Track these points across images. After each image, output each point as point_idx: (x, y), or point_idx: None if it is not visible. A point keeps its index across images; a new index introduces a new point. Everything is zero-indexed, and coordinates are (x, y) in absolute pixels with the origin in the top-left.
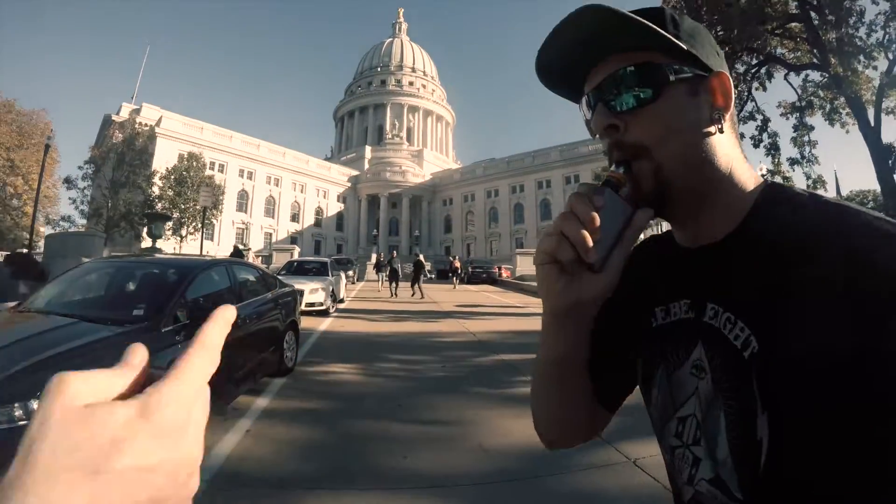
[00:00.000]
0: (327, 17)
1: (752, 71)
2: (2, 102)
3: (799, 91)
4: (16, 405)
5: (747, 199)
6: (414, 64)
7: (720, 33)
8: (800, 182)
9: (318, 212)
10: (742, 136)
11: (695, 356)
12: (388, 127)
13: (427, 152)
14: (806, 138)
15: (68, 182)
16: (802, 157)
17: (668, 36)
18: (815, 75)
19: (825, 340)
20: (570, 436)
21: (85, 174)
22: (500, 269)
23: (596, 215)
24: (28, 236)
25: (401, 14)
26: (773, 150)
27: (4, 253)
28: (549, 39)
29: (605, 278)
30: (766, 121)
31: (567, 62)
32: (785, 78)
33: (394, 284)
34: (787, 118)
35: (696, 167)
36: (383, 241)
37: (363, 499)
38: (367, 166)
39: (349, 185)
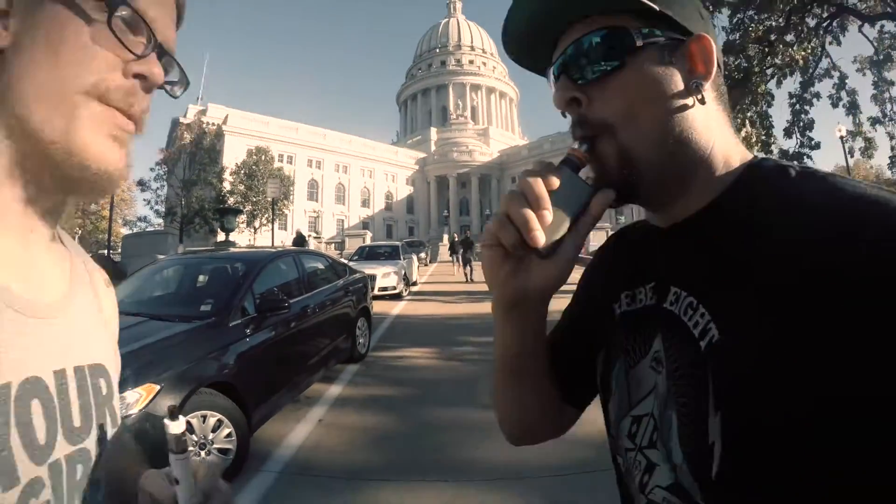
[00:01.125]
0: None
1: (824, 24)
2: None
3: (875, 44)
4: None
5: (728, 177)
6: (472, 42)
7: None
8: (883, 143)
9: (388, 196)
10: (818, 95)
11: (655, 348)
12: (451, 107)
13: (493, 130)
14: (887, 95)
15: (141, 184)
16: (884, 115)
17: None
18: (890, 26)
19: (791, 331)
20: (535, 434)
21: (157, 175)
22: None
23: (546, 196)
24: (107, 238)
25: None
26: (853, 109)
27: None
28: (512, 7)
29: (555, 267)
30: (843, 78)
31: (533, 31)
32: (859, 30)
33: (467, 267)
34: (864, 74)
35: (668, 146)
36: (454, 222)
37: (434, 490)
38: (433, 148)
39: (417, 167)
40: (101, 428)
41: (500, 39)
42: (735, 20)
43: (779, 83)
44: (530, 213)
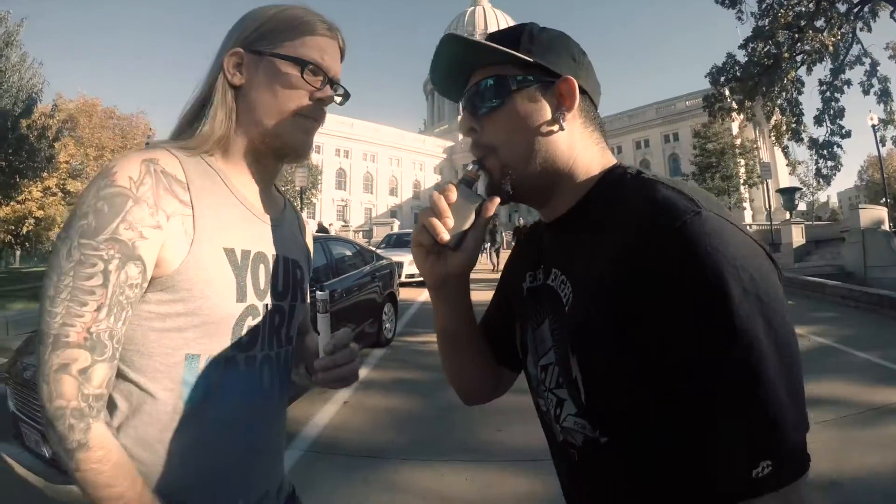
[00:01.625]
0: None
1: (855, 9)
2: (104, 110)
3: None
4: None
5: (588, 184)
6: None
7: None
8: None
9: (416, 185)
10: (849, 82)
11: (544, 316)
12: None
13: None
14: None
15: None
16: None
17: (511, 52)
18: None
19: (607, 299)
20: (481, 393)
21: None
22: None
23: (446, 207)
24: None
25: None
26: (885, 97)
27: None
28: (432, 62)
29: (463, 255)
30: (874, 65)
31: (449, 75)
32: (891, 16)
33: (494, 255)
34: None
35: (536, 162)
36: None
37: (454, 469)
38: (461, 137)
39: (444, 156)
40: (294, 297)
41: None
42: (764, 6)
43: (809, 70)
44: (435, 221)
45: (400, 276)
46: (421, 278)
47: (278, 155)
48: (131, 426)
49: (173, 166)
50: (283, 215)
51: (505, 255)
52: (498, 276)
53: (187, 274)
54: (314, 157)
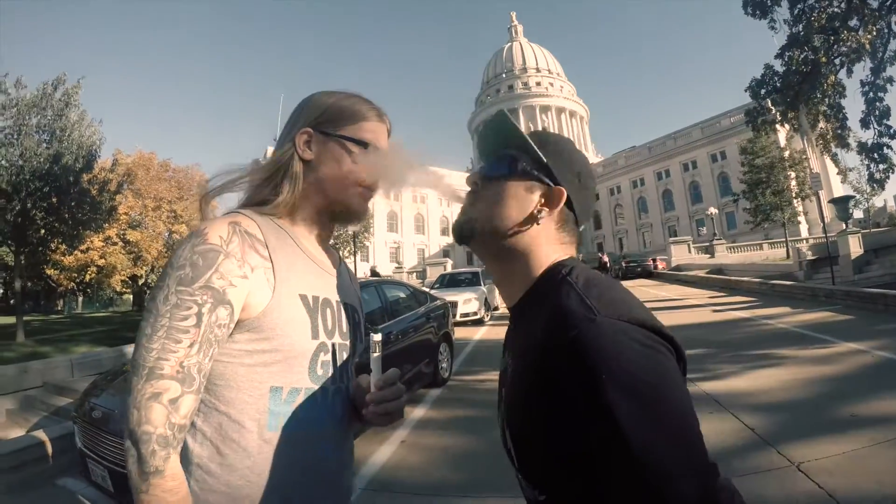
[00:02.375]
0: (441, 38)
1: (888, 4)
2: (160, 163)
3: None
4: None
5: (533, 278)
6: (537, 64)
7: None
8: None
9: None
10: (891, 80)
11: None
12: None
13: None
14: None
15: None
16: None
17: (534, 146)
18: None
19: (518, 384)
20: None
21: None
22: (654, 260)
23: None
24: None
25: (514, 17)
26: None
27: None
28: (480, 132)
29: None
30: None
31: (485, 143)
32: None
33: None
34: None
35: (500, 237)
36: None
37: None
38: None
39: None
40: (354, 336)
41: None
42: (796, 11)
43: (849, 72)
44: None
45: (454, 315)
46: (476, 317)
47: (339, 218)
48: (222, 454)
49: (253, 228)
50: (340, 268)
51: None
52: None
53: (271, 316)
54: None
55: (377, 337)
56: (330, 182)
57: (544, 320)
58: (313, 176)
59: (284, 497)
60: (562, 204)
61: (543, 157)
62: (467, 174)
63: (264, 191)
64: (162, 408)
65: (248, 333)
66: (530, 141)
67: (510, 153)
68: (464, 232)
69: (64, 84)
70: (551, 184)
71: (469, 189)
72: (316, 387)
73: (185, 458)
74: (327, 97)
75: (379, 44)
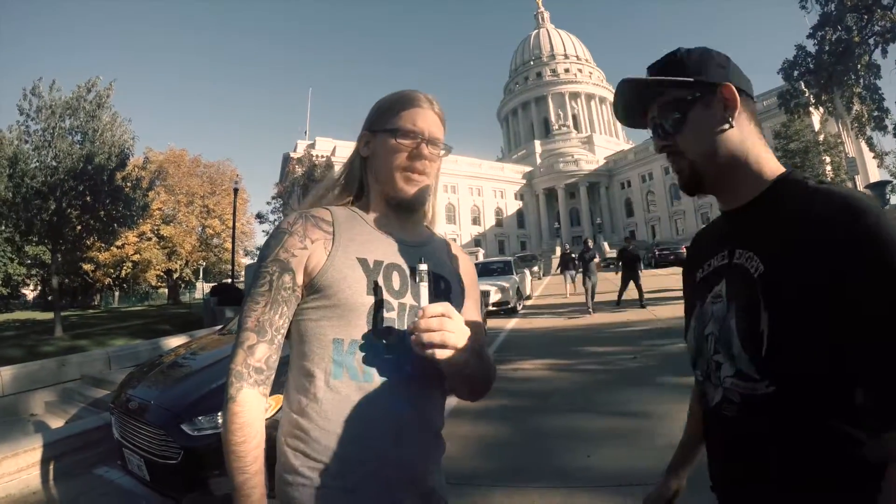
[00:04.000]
0: (470, 25)
1: None
2: (191, 160)
3: None
4: (218, 414)
5: (765, 177)
6: (565, 50)
7: None
8: None
9: (498, 212)
10: None
11: (715, 290)
12: (552, 118)
13: (597, 137)
14: None
15: (260, 217)
16: None
17: (674, 80)
18: None
19: (805, 272)
20: None
21: (274, 209)
22: (687, 248)
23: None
24: (230, 268)
25: (540, 3)
26: None
27: (212, 285)
28: (613, 104)
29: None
30: None
31: (629, 110)
32: None
33: (569, 285)
34: None
35: (717, 157)
36: (566, 233)
37: (543, 496)
38: (538, 160)
39: (524, 181)
40: (434, 301)
41: (612, 106)
42: None
43: (884, 52)
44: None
45: (487, 304)
46: (508, 306)
47: (397, 204)
48: (300, 401)
49: (323, 213)
50: (428, 241)
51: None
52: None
53: (327, 275)
54: None
55: (423, 266)
56: (380, 172)
57: (825, 215)
58: (372, 170)
59: (348, 444)
60: (737, 94)
61: (690, 79)
62: (497, 162)
63: (345, 192)
64: (242, 352)
65: (313, 294)
66: (668, 79)
67: (668, 103)
68: (691, 182)
69: (96, 87)
70: (713, 88)
71: (666, 153)
72: (380, 342)
73: (285, 403)
74: (381, 100)
75: (405, 38)
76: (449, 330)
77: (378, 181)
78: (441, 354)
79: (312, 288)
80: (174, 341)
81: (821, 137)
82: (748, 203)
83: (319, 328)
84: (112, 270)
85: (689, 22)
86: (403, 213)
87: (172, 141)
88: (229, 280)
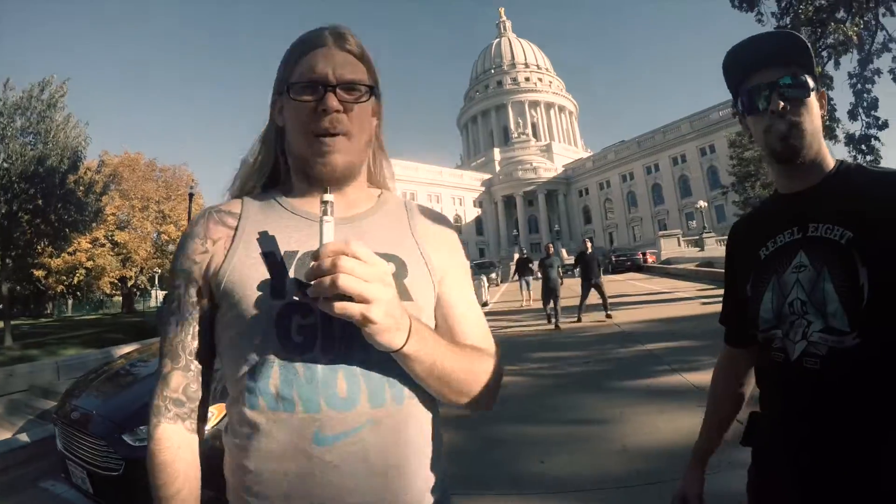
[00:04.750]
0: (431, 35)
1: None
2: (146, 164)
3: None
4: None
5: (828, 164)
6: (526, 59)
7: None
8: None
9: (457, 219)
10: (878, 72)
11: (795, 261)
12: (512, 126)
13: (555, 145)
14: None
15: None
16: None
17: (812, 61)
18: None
19: (890, 234)
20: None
21: None
22: (644, 254)
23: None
24: None
25: (502, 13)
26: None
27: (166, 293)
28: (744, 43)
29: None
30: None
31: (766, 54)
32: None
33: (525, 292)
34: None
35: (815, 140)
36: (524, 240)
37: (498, 502)
38: (497, 168)
39: (483, 189)
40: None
41: (722, 64)
42: (783, 3)
43: (836, 64)
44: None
45: None
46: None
47: (317, 178)
48: (227, 431)
49: (233, 206)
50: (371, 211)
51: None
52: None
53: (227, 279)
54: None
55: (328, 196)
56: (290, 142)
57: (888, 186)
58: (287, 140)
59: (285, 487)
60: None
61: (814, 67)
62: (456, 169)
63: (262, 173)
64: (159, 383)
65: (221, 304)
66: (812, 57)
67: (804, 75)
68: (798, 147)
69: (50, 86)
70: (820, 88)
71: (779, 115)
72: (298, 359)
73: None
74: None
75: (365, 42)
76: (356, 274)
77: (291, 153)
78: (346, 308)
79: (219, 298)
80: (126, 350)
81: None
82: (818, 185)
83: (231, 345)
84: (65, 277)
85: (652, 34)
86: (331, 188)
87: (129, 144)
88: None
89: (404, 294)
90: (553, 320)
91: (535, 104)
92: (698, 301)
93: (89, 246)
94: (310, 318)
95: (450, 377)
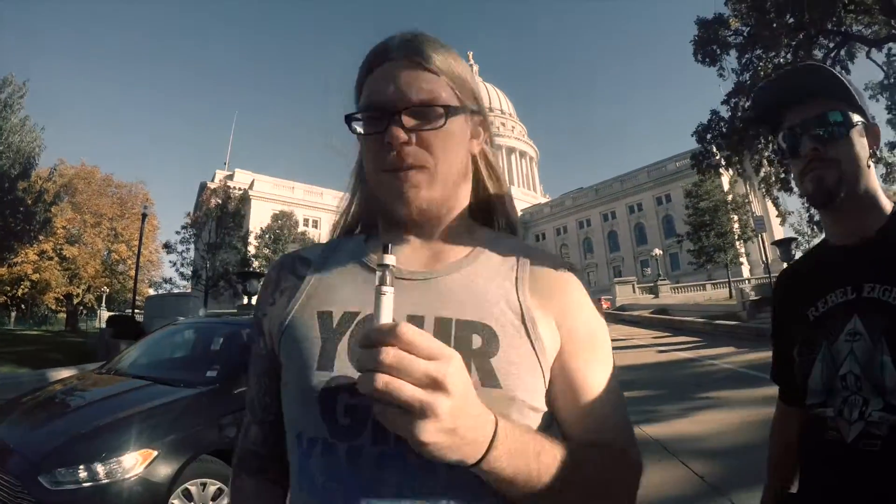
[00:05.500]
0: None
1: (832, 54)
2: (101, 178)
3: (885, 68)
4: (81, 467)
5: (886, 206)
6: (490, 104)
7: (791, 20)
8: None
9: None
10: None
11: (849, 327)
12: None
13: (514, 189)
14: None
15: (167, 247)
16: None
17: (854, 95)
18: None
19: None
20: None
21: (183, 238)
22: (599, 300)
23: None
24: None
25: (471, 57)
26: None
27: (111, 314)
28: (770, 82)
29: None
30: None
31: (774, 100)
32: (867, 56)
33: None
34: (878, 99)
35: (862, 183)
36: None
37: None
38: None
39: None
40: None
41: (751, 103)
42: (744, 60)
43: None
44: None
45: None
46: None
47: (391, 216)
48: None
49: (312, 251)
50: (455, 266)
51: None
52: None
53: (284, 336)
54: (312, 232)
55: (388, 258)
56: (367, 177)
57: None
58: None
59: None
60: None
61: (859, 103)
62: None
63: (345, 215)
64: (241, 432)
65: (283, 361)
66: (853, 91)
67: (837, 111)
68: (834, 191)
69: (10, 85)
70: (867, 123)
71: (809, 158)
72: (341, 444)
73: None
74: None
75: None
76: (402, 374)
77: (372, 193)
78: (392, 422)
79: (280, 354)
80: (64, 375)
81: (729, 197)
82: (873, 237)
83: (289, 414)
84: (8, 288)
85: (614, 82)
86: (413, 233)
87: (88, 156)
88: (130, 311)
89: (488, 378)
90: None
91: (497, 148)
92: (654, 349)
93: (37, 258)
94: (360, 398)
95: (558, 496)
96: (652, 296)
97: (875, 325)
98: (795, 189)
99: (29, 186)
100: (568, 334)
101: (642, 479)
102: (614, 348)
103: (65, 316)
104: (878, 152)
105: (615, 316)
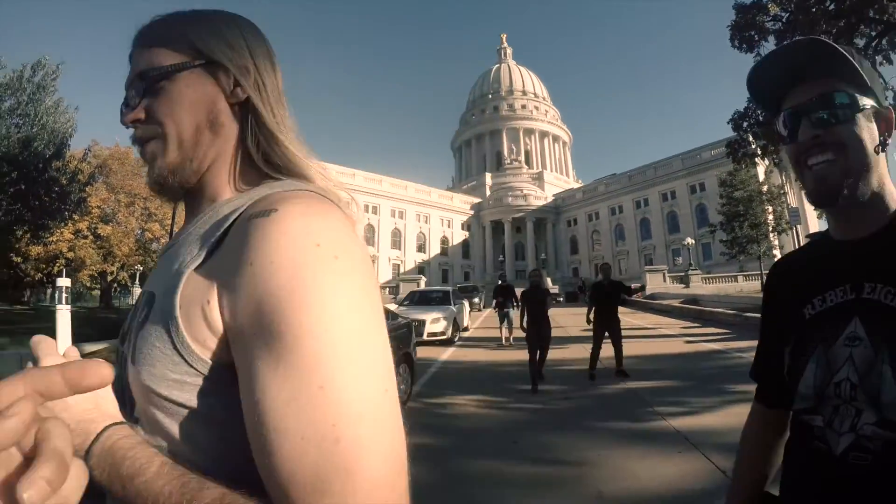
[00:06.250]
0: (433, 55)
1: (874, 44)
2: (136, 159)
3: None
4: None
5: (892, 206)
6: (524, 87)
7: (832, 6)
8: None
9: (444, 241)
10: None
11: (848, 330)
12: (505, 152)
13: (547, 174)
14: None
15: None
16: None
17: (863, 75)
18: None
19: None
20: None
21: None
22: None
23: None
24: None
25: (504, 40)
26: None
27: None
28: (773, 56)
29: None
30: None
31: (785, 74)
32: None
33: (504, 325)
34: None
35: (868, 172)
36: (510, 267)
37: None
38: (488, 193)
39: (472, 212)
40: (125, 342)
41: (746, 80)
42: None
43: None
44: None
45: (422, 334)
46: (444, 337)
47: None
48: None
49: None
50: (181, 235)
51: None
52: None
53: None
54: None
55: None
56: None
57: None
58: None
59: None
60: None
61: (868, 83)
62: (446, 190)
63: None
64: None
65: None
66: (861, 70)
67: (842, 92)
68: (838, 183)
69: (44, 68)
70: (878, 107)
71: (813, 143)
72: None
73: None
74: None
75: (374, 56)
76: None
77: None
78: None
79: None
80: (93, 349)
81: (765, 188)
82: (877, 232)
83: None
84: (44, 266)
85: (646, 70)
86: (186, 204)
87: (122, 137)
88: None
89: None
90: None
91: (529, 132)
92: (682, 339)
93: (72, 236)
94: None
95: None
96: (682, 285)
97: (878, 330)
98: None
99: (63, 166)
100: (231, 315)
101: (666, 471)
102: (642, 336)
103: (99, 293)
104: (888, 139)
105: (645, 304)
